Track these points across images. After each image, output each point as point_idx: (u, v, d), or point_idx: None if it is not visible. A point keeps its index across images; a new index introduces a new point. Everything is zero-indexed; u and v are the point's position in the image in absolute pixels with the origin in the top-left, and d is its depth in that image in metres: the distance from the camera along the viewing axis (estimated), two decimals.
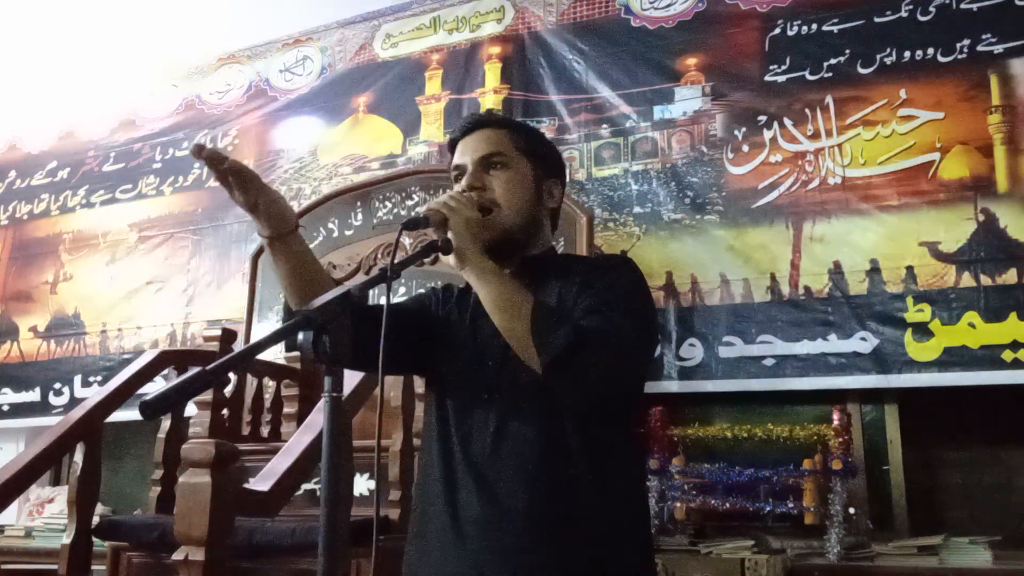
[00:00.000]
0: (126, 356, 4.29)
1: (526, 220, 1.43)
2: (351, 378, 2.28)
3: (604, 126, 3.73)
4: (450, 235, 1.30)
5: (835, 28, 3.41)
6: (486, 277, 1.29)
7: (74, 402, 4.31)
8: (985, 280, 2.98)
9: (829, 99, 3.35)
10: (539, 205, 1.47)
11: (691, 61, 3.65)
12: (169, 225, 4.60)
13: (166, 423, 2.87)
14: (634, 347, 1.30)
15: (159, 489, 2.80)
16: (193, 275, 4.45)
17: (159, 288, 4.51)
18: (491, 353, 1.34)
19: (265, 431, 3.22)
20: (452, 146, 1.50)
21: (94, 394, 2.74)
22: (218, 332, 3.13)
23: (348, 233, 3.69)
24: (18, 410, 4.63)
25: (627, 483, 1.35)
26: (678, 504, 2.94)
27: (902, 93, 3.24)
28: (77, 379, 4.53)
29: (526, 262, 1.44)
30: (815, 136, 3.35)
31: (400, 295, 3.44)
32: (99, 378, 4.38)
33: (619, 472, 1.32)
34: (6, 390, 4.71)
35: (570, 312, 1.30)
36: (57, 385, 4.58)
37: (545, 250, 1.49)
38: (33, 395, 4.62)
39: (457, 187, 1.43)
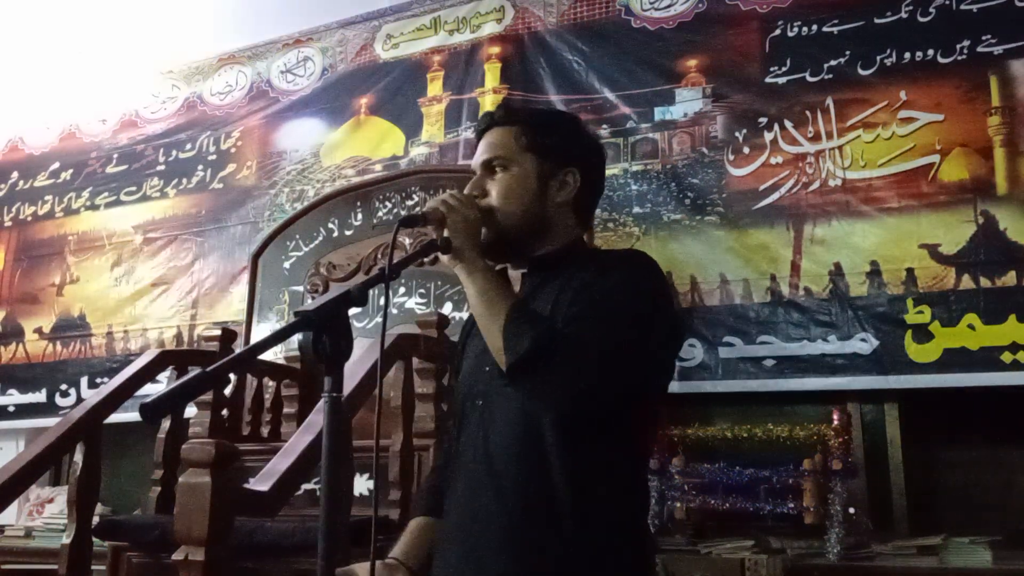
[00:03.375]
0: (133, 358, 4.28)
1: (526, 220, 1.38)
2: (351, 378, 2.28)
3: (604, 126, 3.72)
4: (447, 233, 1.30)
5: (835, 29, 3.41)
6: (474, 276, 1.28)
7: (81, 403, 4.32)
8: (984, 282, 2.98)
9: (829, 101, 3.35)
10: (544, 201, 1.39)
11: (691, 62, 3.65)
12: (173, 227, 4.61)
13: (166, 423, 2.87)
14: (615, 358, 1.21)
15: (159, 489, 2.80)
16: (197, 277, 4.45)
17: (164, 290, 4.52)
18: (488, 359, 1.31)
19: (265, 431, 3.22)
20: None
21: (94, 394, 2.75)
22: (218, 332, 3.13)
23: (348, 233, 3.69)
24: (24, 411, 4.64)
25: (618, 505, 1.26)
26: (678, 504, 2.94)
27: (902, 95, 3.24)
28: (84, 380, 4.53)
29: (538, 260, 1.40)
30: (815, 138, 3.35)
31: (400, 295, 3.45)
32: (106, 380, 4.37)
33: (608, 490, 1.24)
34: (12, 391, 4.71)
35: (558, 315, 1.26)
36: (63, 386, 4.59)
37: (563, 244, 1.41)
38: (39, 396, 4.63)
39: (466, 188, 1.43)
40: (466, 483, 1.31)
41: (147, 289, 4.56)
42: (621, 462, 1.28)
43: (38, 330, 4.80)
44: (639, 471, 1.35)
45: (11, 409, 4.68)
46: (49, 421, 4.33)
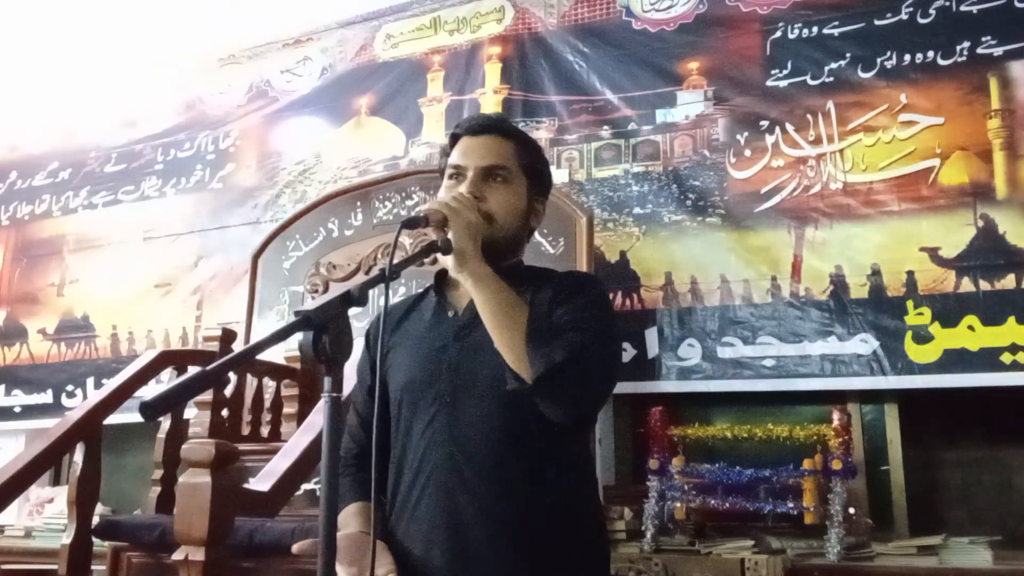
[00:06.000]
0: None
1: (512, 237, 1.45)
2: (351, 378, 2.28)
3: (605, 127, 3.72)
4: (450, 236, 1.30)
5: (835, 31, 3.41)
6: (485, 282, 1.30)
7: (81, 403, 4.30)
8: (984, 285, 2.99)
9: (830, 104, 3.35)
10: (526, 224, 1.49)
11: (693, 65, 3.64)
12: (174, 227, 4.59)
13: (166, 423, 2.87)
14: (614, 367, 1.41)
15: (159, 489, 2.80)
16: (200, 278, 4.44)
17: (167, 291, 4.50)
18: (447, 358, 1.36)
19: (265, 431, 3.22)
20: (453, 140, 1.49)
21: (94, 394, 2.75)
22: (218, 332, 3.13)
23: (348, 233, 3.69)
24: (30, 412, 4.62)
25: (590, 491, 1.41)
26: (678, 504, 2.94)
27: (902, 98, 3.24)
28: (90, 381, 4.51)
29: (501, 272, 1.41)
30: (816, 141, 3.35)
31: (400, 295, 3.44)
32: None
33: (583, 478, 1.39)
34: (17, 392, 4.70)
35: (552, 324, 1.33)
36: (69, 387, 4.58)
37: (515, 263, 1.49)
38: (45, 397, 4.62)
39: (462, 188, 1.42)
40: (439, 482, 1.31)
41: (150, 290, 4.53)
42: (586, 454, 1.44)
43: (41, 331, 4.78)
44: (592, 464, 1.51)
45: (17, 410, 4.67)
46: (55, 422, 4.33)
